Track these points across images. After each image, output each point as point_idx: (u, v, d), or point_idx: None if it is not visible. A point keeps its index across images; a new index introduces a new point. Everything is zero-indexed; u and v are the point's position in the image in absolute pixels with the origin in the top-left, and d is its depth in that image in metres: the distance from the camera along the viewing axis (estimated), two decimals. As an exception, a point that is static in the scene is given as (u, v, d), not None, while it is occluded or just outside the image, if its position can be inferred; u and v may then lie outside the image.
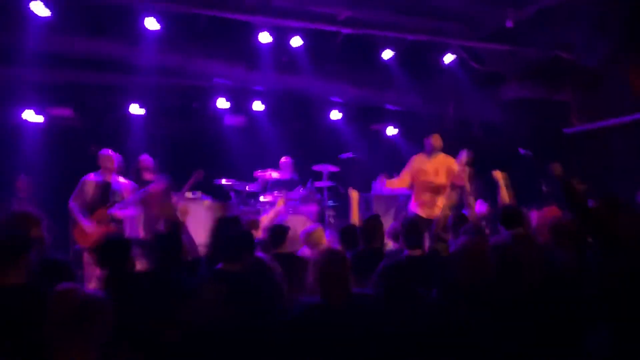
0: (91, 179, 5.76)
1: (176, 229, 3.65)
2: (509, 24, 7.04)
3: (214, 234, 3.61)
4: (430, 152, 6.19)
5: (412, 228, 3.95)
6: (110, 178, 5.82)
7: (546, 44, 7.87)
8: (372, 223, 4.31)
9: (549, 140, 8.46)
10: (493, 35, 7.72)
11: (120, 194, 5.81)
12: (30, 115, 7.61)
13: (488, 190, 7.43)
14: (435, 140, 6.19)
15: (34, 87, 7.52)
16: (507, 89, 8.65)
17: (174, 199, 6.18)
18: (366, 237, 4.21)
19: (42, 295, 2.48)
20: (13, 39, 6.26)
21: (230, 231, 3.40)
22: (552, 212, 4.99)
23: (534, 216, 5.04)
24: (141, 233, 6.29)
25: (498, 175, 5.41)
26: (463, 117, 9.21)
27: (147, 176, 6.21)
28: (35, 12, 5.88)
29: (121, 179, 5.91)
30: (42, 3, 5.82)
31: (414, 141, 9.54)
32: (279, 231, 4.31)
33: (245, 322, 2.70)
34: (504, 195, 5.32)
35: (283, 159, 7.98)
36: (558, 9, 6.97)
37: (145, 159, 6.30)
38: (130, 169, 6.29)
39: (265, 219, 5.94)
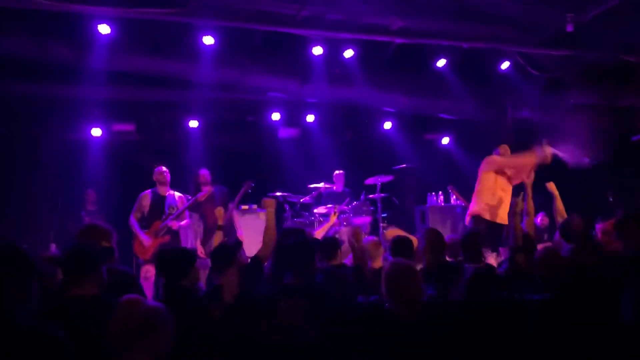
0: (147, 194, 6.05)
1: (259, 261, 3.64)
2: (570, 28, 6.79)
3: (280, 247, 3.52)
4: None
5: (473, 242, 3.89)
6: (165, 192, 6.09)
7: (609, 47, 7.54)
8: (436, 237, 4.17)
9: (615, 147, 8.07)
10: (552, 40, 7.45)
11: (175, 206, 6.04)
12: (96, 131, 7.95)
13: (545, 201, 7.19)
14: (505, 151, 6.26)
15: (99, 104, 7.87)
16: (569, 95, 8.33)
17: (230, 209, 6.31)
18: (432, 250, 4.08)
19: (113, 307, 2.57)
20: (79, 59, 6.55)
21: (298, 243, 3.30)
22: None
23: (599, 227, 4.86)
24: (195, 243, 6.48)
25: (552, 186, 5.35)
26: (522, 125, 8.93)
27: (205, 189, 6.35)
28: (100, 32, 6.15)
29: (176, 193, 6.15)
30: (105, 24, 6.08)
31: (470, 150, 9.36)
32: (331, 243, 4.28)
33: (325, 335, 2.67)
34: (560, 206, 5.22)
35: (336, 172, 7.98)
36: (621, 10, 6.66)
37: (204, 173, 6.44)
38: (190, 182, 6.46)
39: (319, 232, 5.94)
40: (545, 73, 8.11)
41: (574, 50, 7.60)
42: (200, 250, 6.15)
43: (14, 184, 7.50)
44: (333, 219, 6.40)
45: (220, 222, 4.56)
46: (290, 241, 3.34)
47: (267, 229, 3.90)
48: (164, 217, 5.96)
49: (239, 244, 3.91)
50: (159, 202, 6.02)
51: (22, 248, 2.02)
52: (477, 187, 6.18)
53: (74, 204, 7.72)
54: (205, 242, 6.23)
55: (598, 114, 8.29)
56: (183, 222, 6.13)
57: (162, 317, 2.05)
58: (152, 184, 6.17)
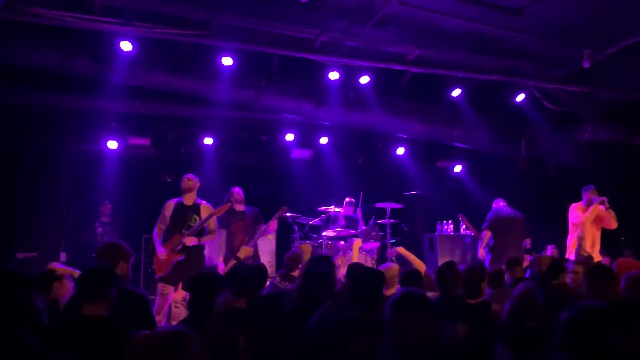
0: (171, 203, 5.66)
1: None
2: (587, 64, 6.81)
3: (353, 280, 3.13)
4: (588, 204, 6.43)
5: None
6: (190, 201, 5.66)
7: (625, 85, 7.55)
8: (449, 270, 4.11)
9: (628, 185, 8.04)
10: (569, 75, 7.49)
11: (199, 217, 5.60)
12: (112, 144, 8.07)
13: (559, 234, 7.16)
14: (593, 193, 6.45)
15: (116, 117, 8.01)
16: (583, 130, 8.32)
17: (260, 230, 6.28)
18: (443, 284, 4.02)
19: (121, 330, 2.61)
20: (101, 73, 6.69)
21: (370, 276, 3.05)
22: (628, 262, 4.81)
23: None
24: (216, 259, 6.43)
25: None
26: (535, 157, 8.93)
27: (238, 207, 6.36)
28: (123, 49, 6.29)
29: (203, 204, 5.71)
30: (128, 41, 6.22)
31: (481, 179, 9.36)
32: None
33: None
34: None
35: (347, 199, 8.00)
36: (637, 48, 6.68)
37: (238, 191, 6.41)
38: (223, 200, 6.39)
39: (341, 260, 5.96)
40: (560, 107, 8.12)
41: (589, 86, 7.62)
42: (221, 268, 6.06)
43: (29, 192, 7.62)
44: (357, 246, 6.33)
45: (240, 255, 4.57)
46: (358, 270, 3.16)
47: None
48: (184, 230, 5.51)
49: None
50: (181, 213, 5.57)
51: (15, 270, 2.06)
52: None
53: (88, 214, 7.82)
54: (226, 261, 6.10)
55: (612, 151, 8.29)
56: (205, 237, 5.60)
57: (180, 342, 1.98)
58: (164, 197, 5.82)
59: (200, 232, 5.58)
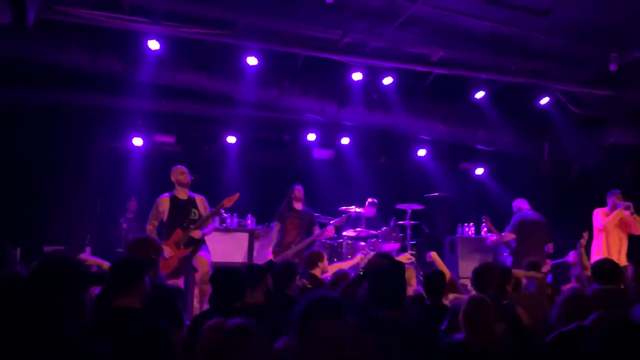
0: (165, 198, 5.48)
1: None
2: (613, 67, 6.73)
3: (374, 277, 3.01)
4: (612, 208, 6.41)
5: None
6: (185, 195, 5.53)
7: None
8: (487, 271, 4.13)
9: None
10: (595, 78, 7.40)
11: (197, 211, 5.52)
12: (137, 141, 8.21)
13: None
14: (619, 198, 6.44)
15: (142, 115, 8.15)
16: (608, 134, 8.20)
17: (314, 234, 6.36)
18: (481, 284, 4.05)
19: (153, 321, 2.66)
20: (128, 72, 6.83)
21: (395, 275, 2.94)
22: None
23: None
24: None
25: (583, 243, 5.42)
26: (558, 161, 8.83)
27: (297, 205, 6.45)
28: (150, 47, 6.41)
29: (197, 197, 5.61)
30: (155, 40, 6.34)
31: (503, 182, 9.28)
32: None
33: None
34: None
35: (369, 200, 8.02)
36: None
37: (299, 188, 6.52)
38: (284, 197, 6.54)
39: (335, 267, 5.96)
40: (585, 110, 8.02)
41: (615, 90, 7.52)
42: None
43: (58, 187, 7.79)
44: (357, 260, 6.30)
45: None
46: (384, 267, 3.01)
47: None
48: (185, 224, 5.39)
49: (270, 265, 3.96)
50: (180, 208, 5.42)
51: (77, 263, 2.11)
52: None
53: (114, 210, 7.97)
54: (276, 254, 6.22)
55: (638, 155, 8.15)
56: (207, 229, 5.55)
57: (247, 334, 2.03)
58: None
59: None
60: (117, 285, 2.66)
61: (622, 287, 4.11)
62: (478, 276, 4.05)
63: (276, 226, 6.47)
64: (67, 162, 7.94)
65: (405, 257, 6.39)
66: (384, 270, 2.94)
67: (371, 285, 2.91)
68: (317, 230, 6.43)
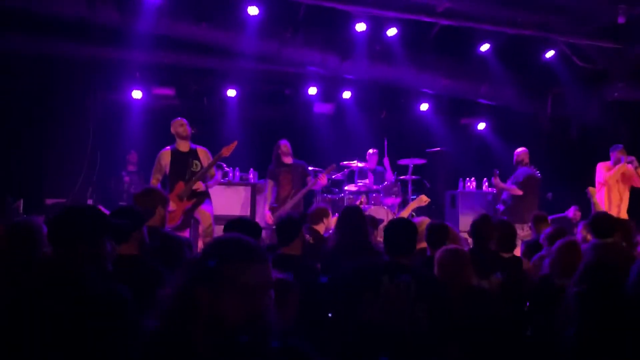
0: (167, 151, 5.47)
1: None
2: (621, 19, 6.61)
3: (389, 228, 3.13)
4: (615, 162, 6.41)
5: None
6: (186, 148, 5.50)
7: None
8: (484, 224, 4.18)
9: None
10: (601, 31, 7.28)
11: (200, 162, 5.46)
12: (137, 94, 8.10)
13: (581, 195, 7.12)
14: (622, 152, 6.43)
15: (141, 67, 8.00)
16: (612, 89, 8.13)
17: (309, 184, 6.33)
18: (477, 236, 4.09)
19: (151, 267, 2.69)
20: (126, 22, 6.67)
21: (404, 221, 3.20)
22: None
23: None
24: (264, 208, 6.50)
25: (592, 191, 5.39)
26: (560, 116, 8.79)
27: (286, 160, 6.39)
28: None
29: (199, 148, 5.57)
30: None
31: (505, 137, 9.26)
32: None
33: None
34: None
35: (370, 151, 8.00)
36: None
37: (285, 143, 6.44)
38: (271, 153, 6.46)
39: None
40: (591, 65, 7.92)
41: (622, 43, 7.40)
42: (269, 217, 6.18)
43: (58, 140, 7.73)
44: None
45: None
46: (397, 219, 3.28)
47: None
48: (187, 177, 5.35)
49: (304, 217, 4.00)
50: (181, 160, 5.41)
51: (101, 211, 2.11)
52: None
53: (115, 163, 7.94)
54: (274, 210, 6.20)
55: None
56: (211, 182, 5.59)
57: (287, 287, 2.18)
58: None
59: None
60: (115, 234, 2.68)
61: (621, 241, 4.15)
62: (475, 229, 4.09)
63: (269, 184, 6.40)
64: (65, 114, 7.82)
65: (422, 200, 6.26)
66: (398, 222, 3.15)
67: (387, 234, 3.05)
68: (311, 181, 6.42)
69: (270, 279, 1.39)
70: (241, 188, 7.54)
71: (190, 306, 1.33)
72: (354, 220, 3.94)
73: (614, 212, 6.20)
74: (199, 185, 5.40)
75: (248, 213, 7.41)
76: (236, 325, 1.31)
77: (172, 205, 5.11)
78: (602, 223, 4.15)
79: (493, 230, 4.00)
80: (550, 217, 7.12)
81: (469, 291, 2.95)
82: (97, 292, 1.82)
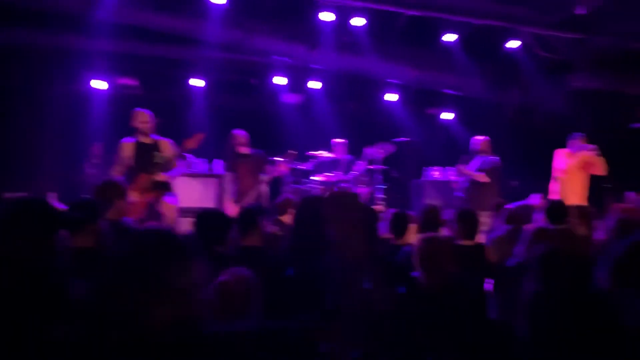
0: (129, 143, 5.41)
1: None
2: (581, 10, 6.76)
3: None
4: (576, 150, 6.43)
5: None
6: (147, 139, 5.44)
7: (619, 34, 7.50)
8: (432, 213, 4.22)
9: (613, 134, 8.13)
10: (564, 23, 7.41)
11: (162, 154, 5.39)
12: (99, 84, 7.89)
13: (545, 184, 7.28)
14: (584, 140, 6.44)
15: (103, 56, 7.79)
16: (575, 79, 8.33)
17: (269, 173, 6.28)
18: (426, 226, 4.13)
19: (106, 258, 2.65)
20: (86, 9, 6.47)
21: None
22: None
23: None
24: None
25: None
26: (525, 105, 8.95)
27: (243, 150, 6.29)
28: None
29: (161, 140, 5.51)
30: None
31: (471, 127, 9.38)
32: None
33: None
34: None
35: (336, 140, 8.00)
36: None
37: (240, 134, 6.34)
38: (225, 145, 6.36)
39: None
40: (554, 55, 8.08)
41: (584, 34, 7.56)
42: (233, 209, 6.00)
43: (16, 132, 7.48)
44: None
45: None
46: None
47: None
48: (149, 168, 5.28)
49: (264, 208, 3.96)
50: (143, 152, 5.34)
51: (50, 204, 2.05)
52: None
53: (77, 155, 7.73)
54: (237, 202, 6.14)
55: (602, 100, 8.33)
56: (174, 173, 5.54)
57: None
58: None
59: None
60: (71, 226, 2.64)
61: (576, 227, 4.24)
62: (425, 217, 4.11)
63: (228, 176, 6.35)
64: (24, 105, 7.58)
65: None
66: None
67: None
68: (269, 169, 6.37)
69: (200, 278, 1.32)
70: (208, 179, 7.45)
71: (109, 306, 1.26)
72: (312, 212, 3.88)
73: (571, 200, 6.33)
74: (160, 177, 5.34)
75: (215, 205, 7.33)
76: (161, 327, 1.23)
77: (133, 197, 5.04)
78: (557, 209, 4.25)
79: (439, 220, 4.07)
80: (513, 205, 7.30)
81: (450, 279, 2.96)
82: (53, 287, 1.76)
